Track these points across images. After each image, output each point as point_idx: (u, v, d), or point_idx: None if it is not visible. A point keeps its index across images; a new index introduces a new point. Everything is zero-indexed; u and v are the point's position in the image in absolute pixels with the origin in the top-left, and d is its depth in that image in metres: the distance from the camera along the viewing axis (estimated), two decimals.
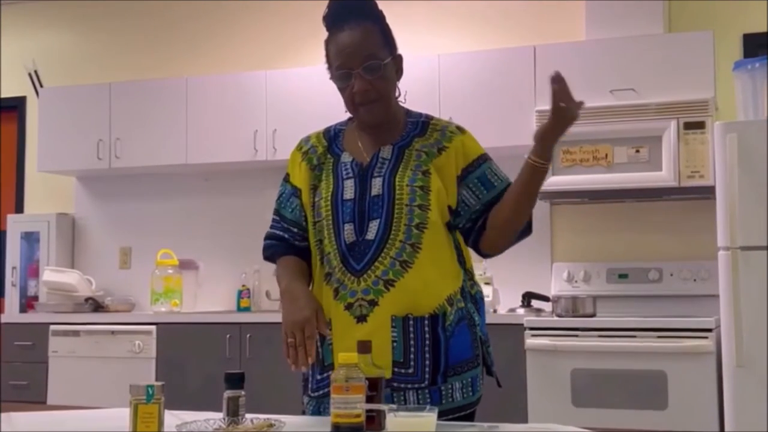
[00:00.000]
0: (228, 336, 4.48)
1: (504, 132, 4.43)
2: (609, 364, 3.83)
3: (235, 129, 4.93)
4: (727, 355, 3.53)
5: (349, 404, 1.68)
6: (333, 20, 2.11)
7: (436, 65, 4.57)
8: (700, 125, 4.06)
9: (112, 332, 4.75)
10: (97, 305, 5.19)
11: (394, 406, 1.66)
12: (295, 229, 2.18)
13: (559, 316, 4.07)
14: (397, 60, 2.13)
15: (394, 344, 2.02)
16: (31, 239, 5.58)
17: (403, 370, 2.03)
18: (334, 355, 2.04)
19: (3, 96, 5.90)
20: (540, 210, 4.62)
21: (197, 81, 5.09)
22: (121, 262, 5.55)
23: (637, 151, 4.16)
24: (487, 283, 4.29)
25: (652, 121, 4.13)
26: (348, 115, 2.17)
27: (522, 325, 4.00)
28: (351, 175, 2.11)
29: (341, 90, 2.11)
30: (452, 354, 2.06)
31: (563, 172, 4.25)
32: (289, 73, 4.81)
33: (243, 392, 1.81)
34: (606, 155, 4.20)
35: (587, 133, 4.22)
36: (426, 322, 2.04)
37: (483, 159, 2.15)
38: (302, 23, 5.05)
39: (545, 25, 4.75)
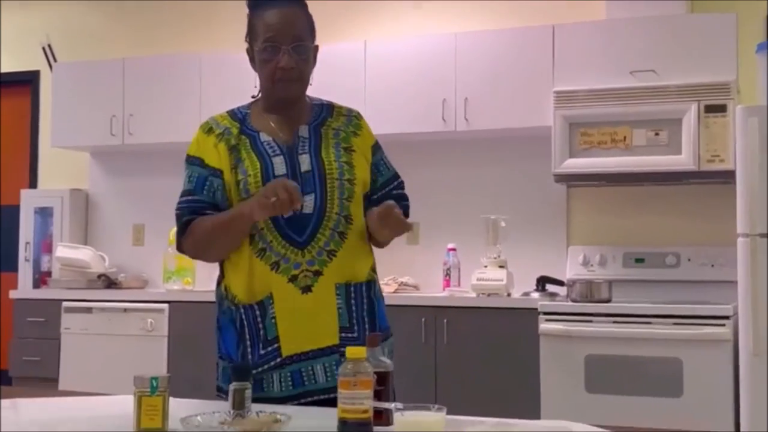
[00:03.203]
0: None
1: (521, 113, 4.37)
2: (624, 350, 3.78)
3: None
4: (744, 344, 3.48)
5: (357, 399, 1.64)
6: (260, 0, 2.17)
7: (453, 45, 4.50)
8: (721, 108, 3.98)
9: (125, 310, 4.75)
10: (110, 282, 5.18)
11: (400, 405, 1.63)
12: (215, 213, 2.15)
13: (573, 301, 4.02)
14: (316, 49, 2.22)
15: (340, 311, 2.11)
16: (44, 215, 5.57)
17: (349, 335, 2.11)
18: (277, 328, 2.09)
19: (17, 70, 5.87)
20: (557, 192, 4.58)
21: (211, 57, 5.04)
22: (135, 239, 5.54)
23: (657, 134, 4.09)
24: (501, 267, 4.23)
25: (673, 103, 4.05)
26: (248, 100, 2.26)
27: (536, 309, 3.96)
28: (279, 152, 2.15)
29: (264, 62, 2.14)
30: (380, 319, 2.20)
31: (581, 154, 4.18)
32: None
33: (249, 384, 1.78)
34: (624, 138, 4.13)
35: (606, 114, 4.15)
36: (363, 287, 2.16)
37: (377, 146, 2.28)
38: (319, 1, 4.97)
39: (564, 4, 4.65)
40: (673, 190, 4.40)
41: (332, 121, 2.23)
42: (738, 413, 3.55)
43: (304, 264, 2.08)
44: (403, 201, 2.27)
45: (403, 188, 2.31)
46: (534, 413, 3.90)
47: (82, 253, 5.22)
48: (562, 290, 4.30)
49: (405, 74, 4.57)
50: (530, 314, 3.97)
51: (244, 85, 4.87)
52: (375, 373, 1.72)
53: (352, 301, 2.13)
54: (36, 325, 4.95)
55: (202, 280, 5.02)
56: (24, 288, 5.44)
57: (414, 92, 4.53)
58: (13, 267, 5.63)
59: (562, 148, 4.21)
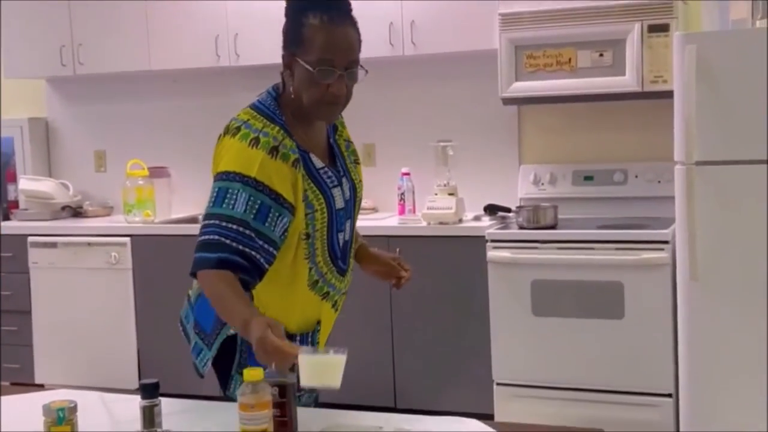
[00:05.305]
0: None
1: (468, 36, 4.32)
2: (568, 275, 3.89)
3: (196, 33, 4.81)
4: (681, 270, 3.56)
5: (256, 420, 1.74)
6: (317, 8, 1.99)
7: None
8: (663, 28, 3.94)
9: (89, 244, 4.83)
10: (74, 212, 5.24)
11: (310, 349, 1.87)
12: (272, 249, 1.96)
13: (521, 227, 4.10)
14: None
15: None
16: (5, 144, 5.57)
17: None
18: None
19: None
20: (508, 112, 4.58)
21: None
22: (97, 165, 5.57)
23: (601, 55, 4.07)
24: (451, 194, 4.28)
25: (616, 24, 4.01)
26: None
27: (484, 237, 4.04)
28: (336, 182, 2.10)
29: (313, 83, 1.98)
30: None
31: (526, 77, 4.17)
32: None
33: (158, 401, 1.86)
34: (570, 59, 4.11)
35: (551, 36, 4.11)
36: None
37: None
38: None
39: None
40: (621, 107, 4.40)
41: (340, 128, 2.22)
42: (677, 333, 3.69)
43: (343, 288, 2.19)
44: None
45: None
46: (484, 337, 4.05)
47: (45, 185, 5.26)
48: (510, 215, 4.37)
49: None
50: (479, 241, 4.05)
51: (189, 11, 4.83)
52: (276, 386, 1.82)
53: None
54: (5, 260, 5.04)
55: (164, 209, 5.09)
56: None
57: (360, 16, 4.45)
58: None
59: (509, 72, 4.19)
